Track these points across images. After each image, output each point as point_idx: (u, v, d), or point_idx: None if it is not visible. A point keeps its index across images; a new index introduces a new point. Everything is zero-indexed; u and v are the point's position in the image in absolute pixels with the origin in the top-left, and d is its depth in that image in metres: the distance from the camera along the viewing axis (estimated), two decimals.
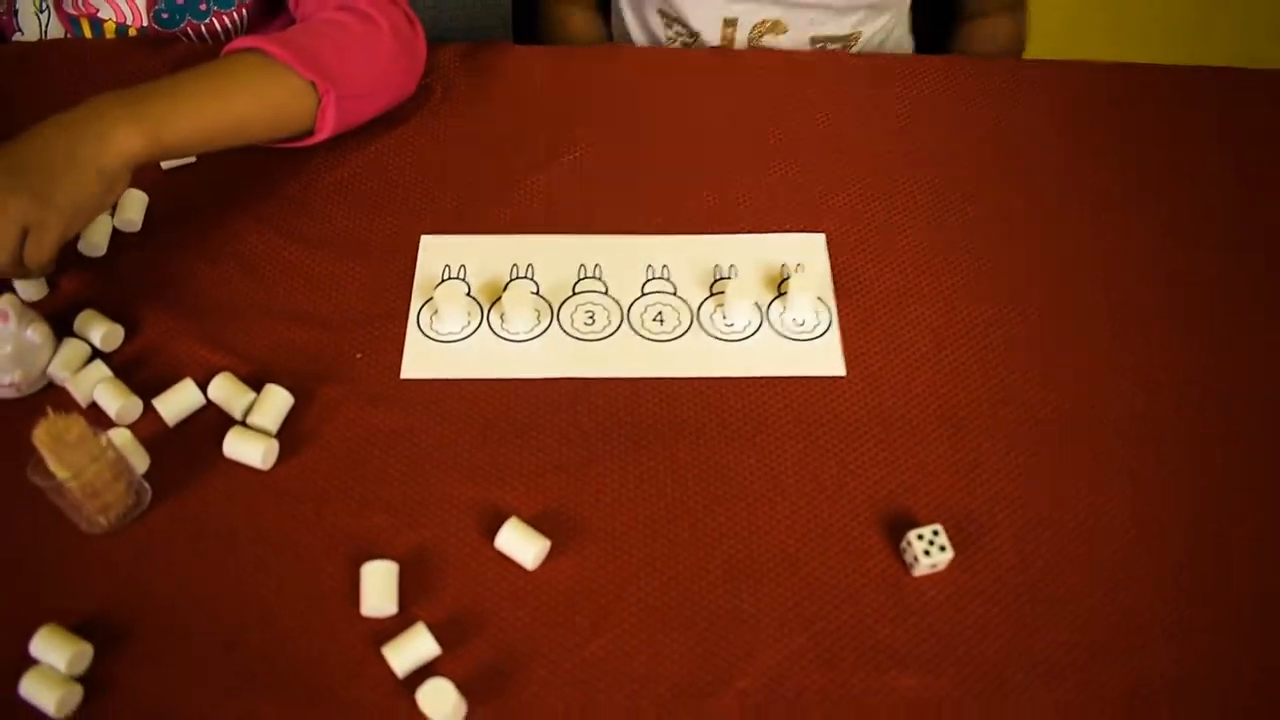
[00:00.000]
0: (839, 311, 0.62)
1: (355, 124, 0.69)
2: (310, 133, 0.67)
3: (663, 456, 0.56)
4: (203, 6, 0.78)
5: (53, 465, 0.50)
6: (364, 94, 0.67)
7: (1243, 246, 0.66)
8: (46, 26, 0.81)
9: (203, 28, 0.78)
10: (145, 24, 0.78)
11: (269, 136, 0.66)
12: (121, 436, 0.55)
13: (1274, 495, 0.55)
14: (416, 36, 0.71)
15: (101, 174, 0.57)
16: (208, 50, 0.73)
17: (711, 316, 0.61)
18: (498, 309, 0.61)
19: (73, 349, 0.60)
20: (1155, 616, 0.51)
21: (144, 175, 0.65)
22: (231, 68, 0.64)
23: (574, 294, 0.62)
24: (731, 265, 0.64)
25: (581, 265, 0.64)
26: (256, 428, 0.56)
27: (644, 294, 0.62)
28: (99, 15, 0.79)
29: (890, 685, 0.49)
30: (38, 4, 0.82)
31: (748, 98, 0.75)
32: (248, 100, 0.64)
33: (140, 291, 0.63)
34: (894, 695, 0.49)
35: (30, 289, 0.63)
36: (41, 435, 0.50)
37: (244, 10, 0.79)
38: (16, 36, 0.81)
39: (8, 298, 0.59)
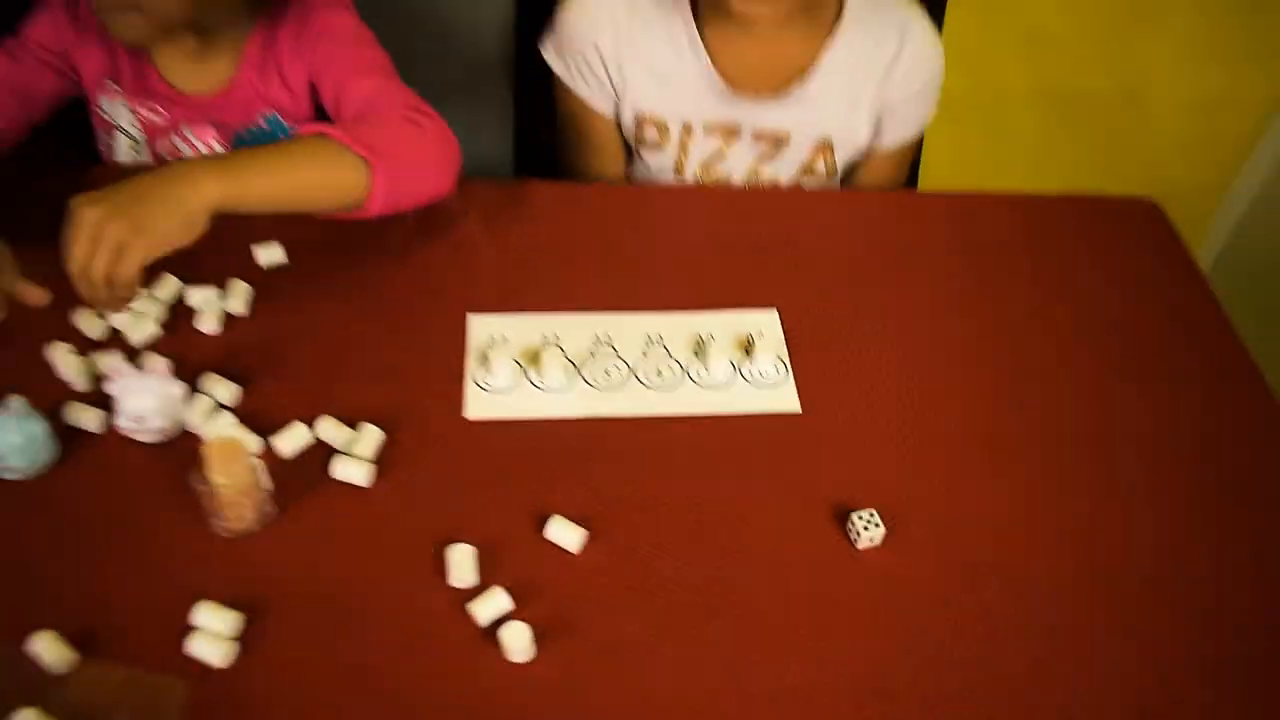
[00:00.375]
0: (794, 366, 0.82)
1: (403, 206, 0.86)
2: (363, 206, 0.83)
3: (664, 472, 0.75)
4: None
5: (214, 472, 0.67)
6: (410, 177, 0.85)
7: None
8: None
9: None
10: None
11: (327, 205, 0.83)
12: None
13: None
14: (453, 144, 0.90)
15: (187, 213, 0.74)
16: None
17: (698, 372, 0.81)
18: (535, 368, 0.80)
19: (203, 403, 0.77)
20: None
21: (252, 274, 0.84)
22: (299, 144, 0.83)
23: (593, 357, 0.82)
24: (710, 334, 0.83)
25: (596, 335, 0.83)
26: (357, 455, 0.74)
27: (646, 356, 0.82)
28: (184, 157, 0.99)
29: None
30: (133, 145, 1.02)
31: (721, 218, 0.97)
32: (311, 170, 0.81)
33: (250, 360, 0.80)
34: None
35: (136, 330, 0.80)
36: (212, 447, 0.67)
37: None
38: None
39: (156, 358, 0.77)
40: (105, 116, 1.01)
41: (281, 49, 0.97)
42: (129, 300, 0.76)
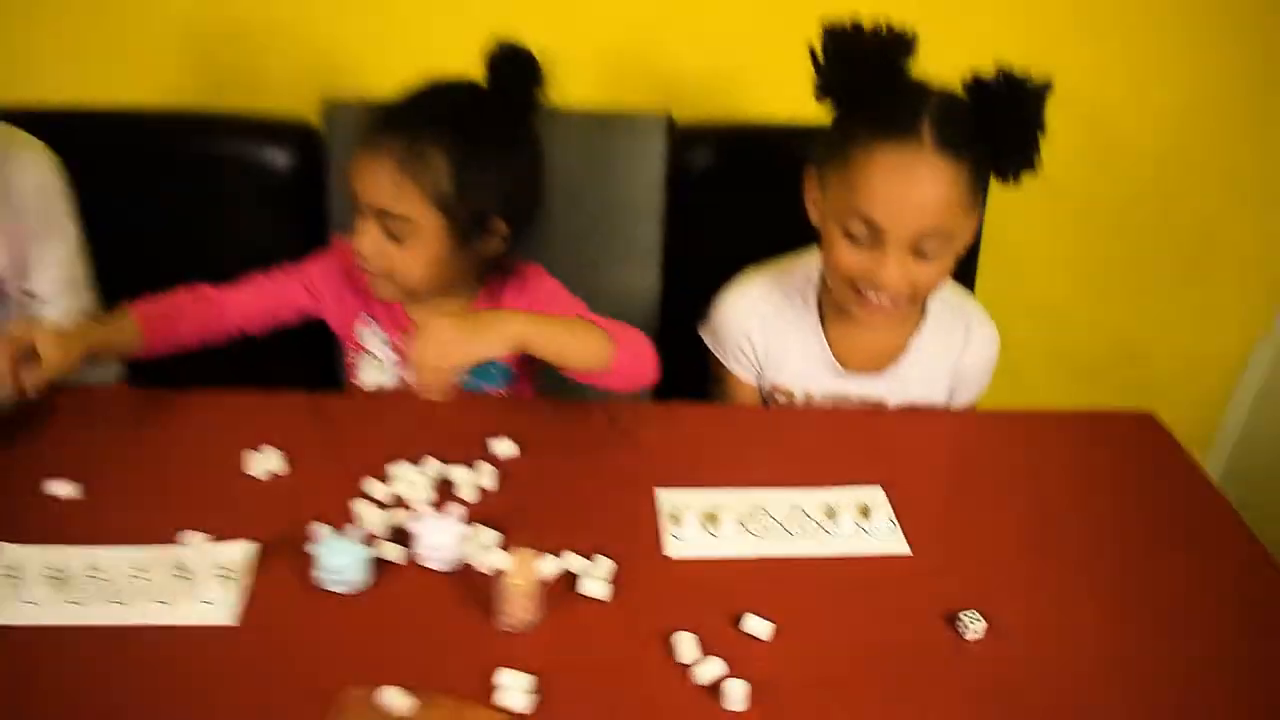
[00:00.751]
0: (900, 523, 1.11)
1: (630, 382, 1.22)
2: (605, 373, 1.19)
3: (813, 594, 1.02)
4: (486, 386, 1.33)
5: (513, 575, 0.94)
6: (637, 363, 1.21)
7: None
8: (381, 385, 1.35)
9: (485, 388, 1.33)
10: None
11: (582, 364, 1.18)
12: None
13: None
14: (654, 352, 1.25)
15: (501, 336, 1.10)
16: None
17: (830, 526, 1.10)
18: (712, 524, 1.09)
19: (479, 538, 1.05)
20: None
21: (494, 461, 1.15)
22: (573, 319, 1.19)
23: (751, 516, 1.11)
24: (837, 502, 1.13)
25: (754, 502, 1.13)
26: (596, 577, 1.01)
27: (789, 516, 1.11)
28: None
29: None
30: (377, 364, 1.36)
31: (838, 427, 1.30)
32: (577, 336, 1.17)
33: (502, 517, 1.09)
34: None
35: (416, 494, 1.10)
36: (514, 555, 0.95)
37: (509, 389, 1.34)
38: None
39: (452, 505, 1.06)
40: (359, 341, 1.36)
41: (505, 305, 1.33)
42: (452, 389, 1.09)
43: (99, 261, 1.40)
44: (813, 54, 1.21)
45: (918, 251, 1.20)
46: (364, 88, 1.51)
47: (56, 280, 1.33)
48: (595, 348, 1.18)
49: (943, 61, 1.21)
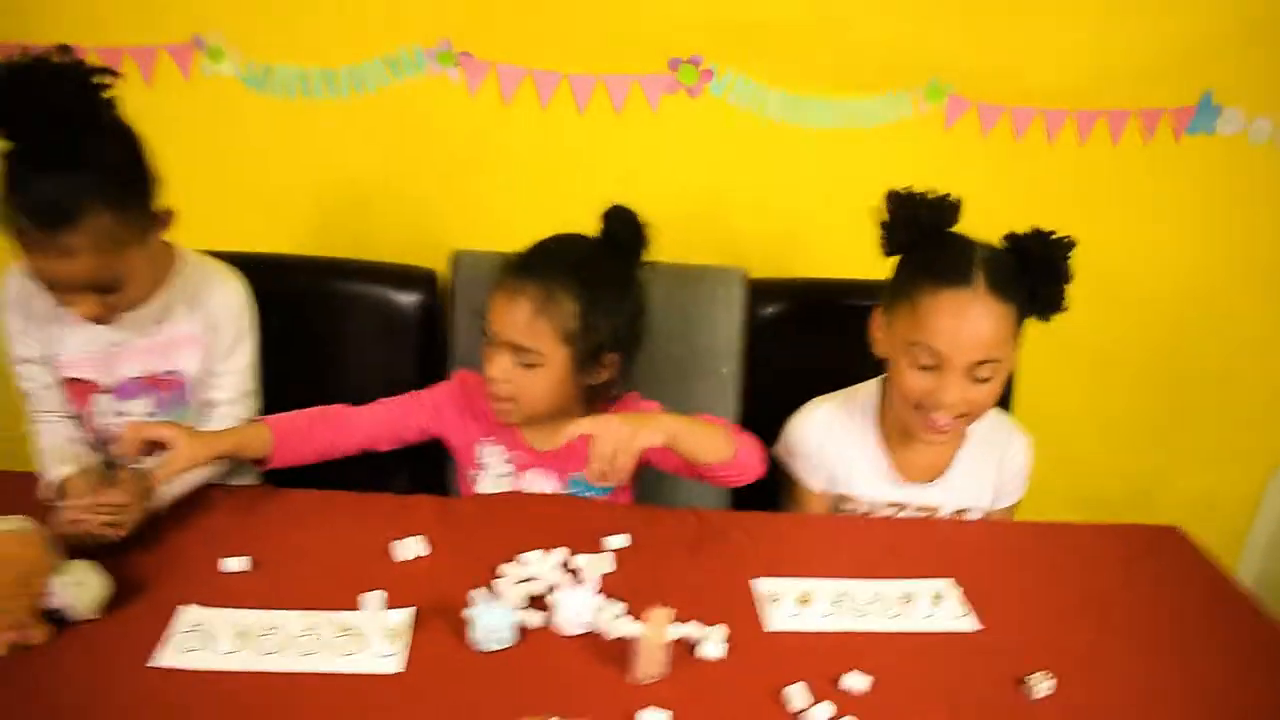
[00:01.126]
0: (973, 607, 1.27)
1: (745, 477, 1.42)
2: (727, 466, 1.38)
3: (899, 661, 1.17)
4: (590, 494, 1.52)
5: (648, 629, 1.10)
6: (750, 460, 1.41)
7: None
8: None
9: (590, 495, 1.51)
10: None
11: (709, 460, 1.36)
12: None
13: None
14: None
15: (658, 430, 1.28)
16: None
17: (908, 610, 1.26)
18: (807, 603, 1.25)
19: (607, 611, 1.20)
20: None
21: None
22: (701, 421, 1.37)
23: (840, 601, 1.27)
24: (908, 592, 1.29)
25: (838, 589, 1.29)
26: (714, 640, 1.17)
27: (874, 598, 1.28)
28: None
29: None
30: (495, 479, 1.54)
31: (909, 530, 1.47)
32: (708, 435, 1.36)
33: (628, 597, 1.25)
34: None
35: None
36: (650, 613, 1.10)
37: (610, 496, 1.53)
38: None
39: (588, 580, 1.22)
40: (478, 459, 1.55)
41: None
42: (621, 478, 1.27)
43: None
44: (880, 216, 1.46)
45: (974, 377, 1.42)
46: (465, 243, 1.78)
47: (234, 389, 1.53)
48: (722, 443, 1.38)
49: (989, 224, 1.46)
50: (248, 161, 2.01)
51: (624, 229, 1.50)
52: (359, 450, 1.55)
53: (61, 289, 1.32)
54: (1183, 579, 1.39)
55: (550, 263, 1.46)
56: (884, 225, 1.47)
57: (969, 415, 1.47)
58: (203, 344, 1.50)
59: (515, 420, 1.51)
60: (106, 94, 1.26)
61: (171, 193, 1.40)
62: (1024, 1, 1.91)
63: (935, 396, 1.43)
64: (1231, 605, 1.34)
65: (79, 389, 1.48)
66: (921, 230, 1.45)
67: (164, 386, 1.50)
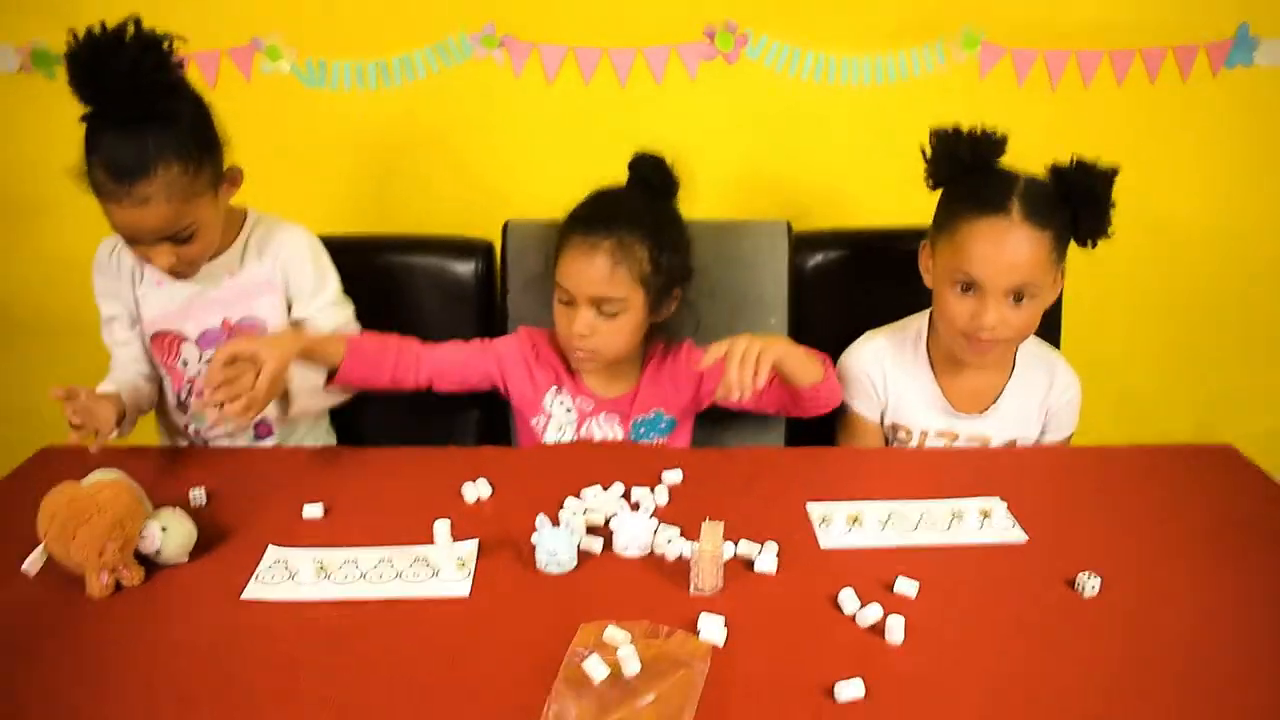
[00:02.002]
0: (1021, 523, 1.30)
1: (832, 403, 1.56)
2: (819, 384, 1.51)
3: (956, 571, 1.21)
4: (654, 436, 1.57)
5: (704, 540, 1.14)
6: (832, 379, 1.53)
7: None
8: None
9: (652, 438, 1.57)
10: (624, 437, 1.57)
11: (807, 380, 1.50)
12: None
13: None
14: None
15: (783, 346, 1.46)
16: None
17: (956, 525, 1.29)
18: (857, 523, 1.29)
19: (663, 534, 1.25)
20: None
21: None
22: (810, 352, 1.48)
23: (890, 517, 1.31)
24: (956, 510, 1.33)
25: (890, 510, 1.33)
26: (767, 556, 1.21)
27: (923, 516, 1.31)
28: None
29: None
30: (558, 427, 1.60)
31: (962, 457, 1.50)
32: (812, 361, 1.50)
33: (686, 521, 1.30)
34: None
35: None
36: (705, 525, 1.15)
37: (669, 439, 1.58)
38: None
39: (642, 506, 1.27)
40: (545, 408, 1.61)
41: (677, 369, 1.60)
42: (758, 387, 1.37)
43: None
44: (922, 151, 1.52)
45: (1012, 300, 1.46)
46: (518, 214, 1.85)
47: (332, 321, 1.64)
48: (816, 365, 1.50)
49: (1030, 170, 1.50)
50: (308, 151, 2.11)
51: (653, 172, 1.58)
52: (423, 385, 1.61)
53: (140, 240, 1.44)
54: (1237, 493, 1.40)
55: (613, 214, 1.53)
56: (928, 159, 1.52)
57: (1011, 338, 1.51)
58: (278, 289, 1.62)
59: (596, 368, 1.59)
60: (175, 58, 1.38)
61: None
62: None
63: (978, 320, 1.47)
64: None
65: (167, 341, 1.61)
66: (963, 164, 1.50)
67: (242, 333, 1.61)
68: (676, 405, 1.63)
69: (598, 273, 1.50)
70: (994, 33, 2.00)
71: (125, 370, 1.62)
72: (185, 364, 1.61)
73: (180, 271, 1.50)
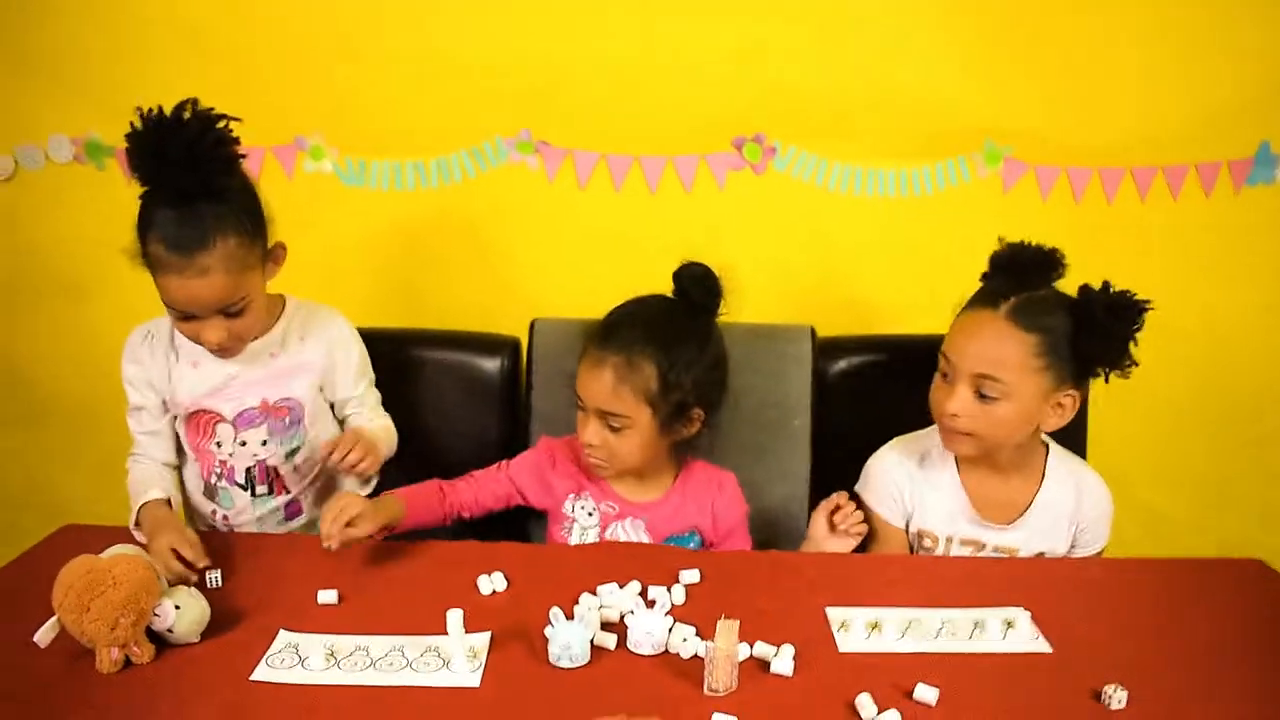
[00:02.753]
0: (1045, 634, 1.27)
1: None
2: None
3: (978, 678, 1.18)
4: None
5: (719, 639, 1.13)
6: None
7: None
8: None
9: None
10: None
11: None
12: None
13: None
14: None
15: None
16: None
17: (978, 635, 1.27)
18: (846, 629, 1.27)
19: (678, 633, 1.24)
20: None
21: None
22: None
23: (920, 622, 1.28)
24: (979, 619, 1.30)
25: (911, 617, 1.30)
26: (784, 658, 1.19)
27: (945, 624, 1.29)
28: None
29: None
30: (582, 530, 1.59)
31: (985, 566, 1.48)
32: None
33: (702, 623, 1.28)
34: None
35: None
36: (720, 624, 1.14)
37: None
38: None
39: (657, 605, 1.26)
40: (567, 514, 1.61)
41: (708, 495, 1.61)
42: None
43: None
44: (994, 255, 1.56)
45: (979, 392, 1.48)
46: (546, 314, 1.89)
47: (371, 406, 1.71)
48: None
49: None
50: (345, 246, 2.16)
51: (694, 285, 1.57)
52: (450, 518, 1.64)
53: (196, 313, 1.48)
54: (1266, 606, 1.37)
55: (626, 330, 1.54)
56: (993, 264, 1.57)
57: (976, 434, 1.51)
58: (318, 371, 1.66)
59: (609, 476, 1.59)
60: (231, 135, 1.44)
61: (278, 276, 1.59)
62: (1073, 60, 1.99)
63: (942, 404, 1.51)
64: None
65: (203, 420, 1.63)
66: (1020, 274, 1.52)
67: (277, 414, 1.63)
68: (710, 530, 1.63)
69: (602, 387, 1.50)
70: (1018, 149, 2.05)
71: (152, 457, 1.65)
72: (219, 445, 1.63)
73: (228, 348, 1.54)
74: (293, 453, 1.66)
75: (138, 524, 1.49)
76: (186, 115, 1.38)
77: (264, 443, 1.63)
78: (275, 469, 1.65)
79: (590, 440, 1.53)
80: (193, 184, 1.40)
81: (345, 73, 2.07)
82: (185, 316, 1.49)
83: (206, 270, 1.43)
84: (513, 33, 2.02)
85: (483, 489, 1.64)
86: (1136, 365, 1.46)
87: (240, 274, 1.47)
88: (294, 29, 2.04)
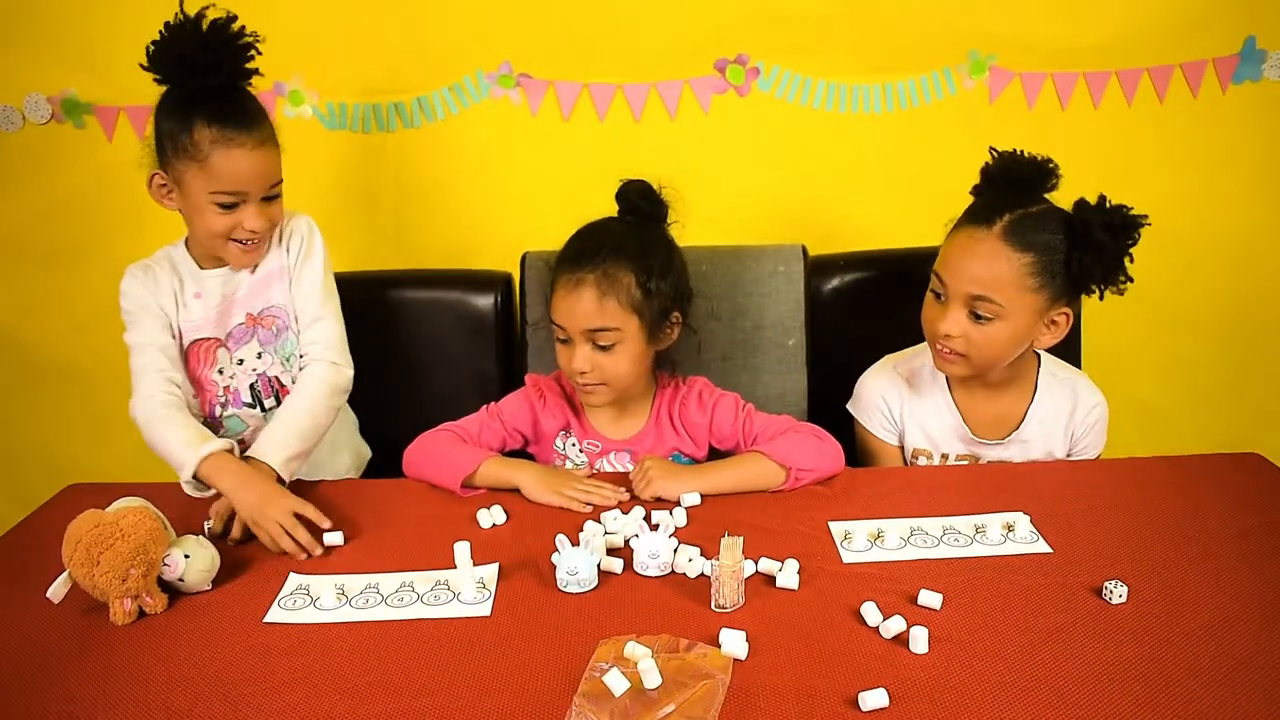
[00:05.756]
0: (1045, 535, 1.29)
1: (821, 479, 1.45)
2: (785, 485, 1.43)
3: (974, 582, 1.19)
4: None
5: (724, 555, 1.14)
6: (812, 469, 1.44)
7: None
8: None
9: None
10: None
11: (757, 489, 1.42)
12: None
13: None
14: (836, 446, 1.49)
15: (685, 484, 1.43)
16: None
17: (979, 539, 1.28)
18: (880, 541, 1.28)
19: (683, 554, 1.25)
20: None
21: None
22: (747, 458, 1.45)
23: (912, 532, 1.30)
24: (979, 524, 1.32)
25: (910, 526, 1.32)
26: (789, 572, 1.20)
27: (946, 530, 1.30)
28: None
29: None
30: (574, 467, 1.60)
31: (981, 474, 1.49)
32: (750, 473, 1.44)
33: (706, 544, 1.30)
34: None
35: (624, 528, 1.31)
36: (725, 540, 1.15)
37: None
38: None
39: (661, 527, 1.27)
40: (559, 450, 1.62)
41: (686, 413, 1.60)
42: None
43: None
44: (984, 166, 1.54)
45: (973, 312, 1.47)
46: (535, 247, 1.87)
47: (315, 293, 1.65)
48: (766, 479, 1.45)
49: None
50: (332, 191, 2.14)
51: (641, 199, 1.58)
52: None
53: (247, 191, 1.52)
54: (1265, 499, 1.38)
55: (594, 249, 1.52)
56: (984, 175, 1.55)
57: (970, 356, 1.50)
58: (288, 274, 1.66)
59: (605, 403, 1.58)
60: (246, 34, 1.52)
61: None
62: None
63: (935, 325, 1.50)
64: None
65: (204, 348, 1.63)
66: (1014, 184, 1.50)
67: (264, 324, 1.65)
68: (692, 448, 1.62)
69: (586, 306, 1.49)
70: (1002, 57, 2.02)
71: (169, 391, 1.57)
72: (221, 371, 1.64)
73: (259, 242, 1.59)
74: (289, 359, 1.66)
75: (195, 477, 1.44)
76: (204, 26, 1.46)
77: (259, 355, 1.65)
78: (277, 378, 1.66)
79: (580, 367, 1.51)
80: (235, 70, 1.50)
81: (320, 13, 2.03)
82: (229, 206, 1.52)
83: (264, 142, 1.51)
84: None
85: (480, 437, 1.62)
86: (1131, 281, 1.45)
87: (279, 155, 1.55)
88: None
